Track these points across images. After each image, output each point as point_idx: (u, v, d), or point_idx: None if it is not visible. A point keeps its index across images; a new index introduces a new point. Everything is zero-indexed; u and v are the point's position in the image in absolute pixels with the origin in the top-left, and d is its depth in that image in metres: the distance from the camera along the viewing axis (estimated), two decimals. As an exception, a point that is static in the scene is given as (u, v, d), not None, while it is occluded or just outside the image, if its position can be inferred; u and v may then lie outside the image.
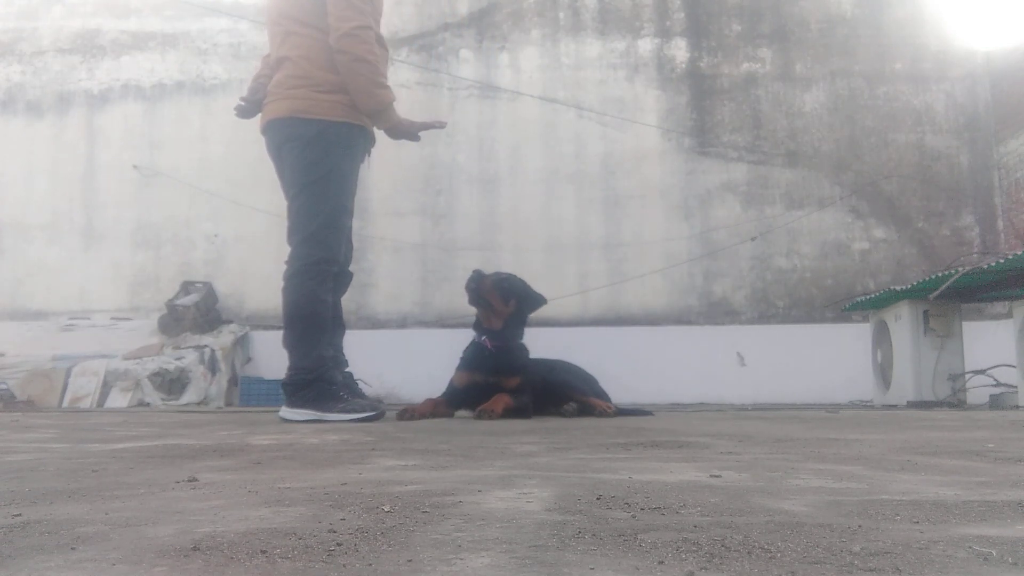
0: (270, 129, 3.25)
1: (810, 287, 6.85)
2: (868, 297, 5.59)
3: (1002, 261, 4.27)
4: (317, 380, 3.24)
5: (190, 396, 6.29)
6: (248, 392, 6.41)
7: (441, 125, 3.50)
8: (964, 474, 1.44)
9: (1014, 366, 4.62)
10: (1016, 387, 4.64)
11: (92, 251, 7.24)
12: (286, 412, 3.24)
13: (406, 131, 3.36)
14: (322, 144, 3.17)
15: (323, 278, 3.23)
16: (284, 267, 3.31)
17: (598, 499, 1.12)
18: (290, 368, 3.26)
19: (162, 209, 7.26)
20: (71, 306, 7.16)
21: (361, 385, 3.71)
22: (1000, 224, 6.85)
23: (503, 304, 3.73)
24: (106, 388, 6.30)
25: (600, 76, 7.25)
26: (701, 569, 0.74)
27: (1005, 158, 6.81)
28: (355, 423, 3.02)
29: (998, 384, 4.95)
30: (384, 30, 3.42)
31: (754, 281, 6.88)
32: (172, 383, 6.31)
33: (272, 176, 3.44)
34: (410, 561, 0.77)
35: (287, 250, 3.34)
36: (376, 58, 3.23)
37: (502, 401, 3.44)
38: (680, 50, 7.24)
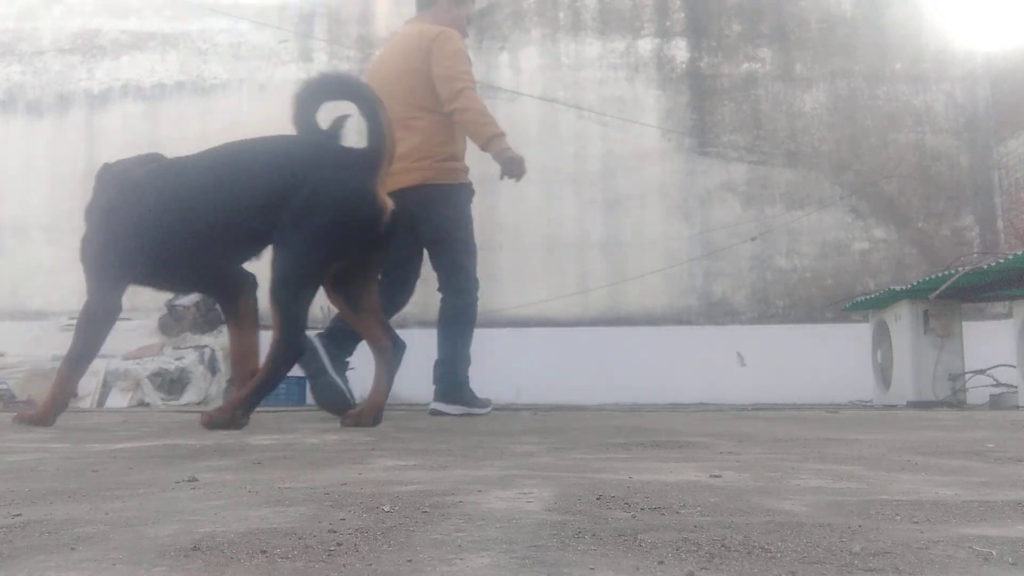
0: (401, 196, 3.50)
1: (810, 287, 6.85)
2: (868, 297, 5.60)
3: (1002, 261, 4.27)
4: (467, 381, 3.90)
5: (190, 396, 6.28)
6: (248, 392, 6.41)
7: (516, 174, 3.99)
8: (964, 474, 1.44)
9: (1014, 366, 4.62)
10: (1016, 387, 4.64)
11: (92, 251, 7.21)
12: (441, 407, 3.80)
13: (513, 159, 3.89)
14: (456, 204, 3.84)
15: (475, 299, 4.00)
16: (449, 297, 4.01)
17: (598, 499, 1.12)
18: (451, 371, 3.86)
19: (162, 209, 7.25)
20: (71, 306, 7.12)
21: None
22: (1000, 224, 6.85)
23: None
24: (106, 388, 6.30)
25: (600, 76, 7.24)
26: (701, 569, 0.74)
27: (1005, 158, 6.81)
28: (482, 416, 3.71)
29: (998, 384, 4.95)
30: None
31: (754, 281, 6.88)
32: (172, 383, 6.31)
33: None
34: (410, 561, 0.77)
35: None
36: (482, 105, 3.83)
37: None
38: (680, 50, 7.24)
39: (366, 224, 2.69)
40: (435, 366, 3.99)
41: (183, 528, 0.93)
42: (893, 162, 6.95)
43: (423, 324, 6.86)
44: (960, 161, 6.94)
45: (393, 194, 3.53)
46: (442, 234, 3.83)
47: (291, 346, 2.64)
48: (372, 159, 2.76)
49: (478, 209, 7.57)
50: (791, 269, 6.89)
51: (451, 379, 3.89)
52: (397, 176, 3.58)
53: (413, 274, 4.01)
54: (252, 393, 2.70)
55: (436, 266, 3.95)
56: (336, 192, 2.65)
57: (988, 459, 1.70)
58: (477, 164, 7.52)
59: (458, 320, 3.96)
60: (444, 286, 3.97)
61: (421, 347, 6.48)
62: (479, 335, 4.28)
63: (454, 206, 3.83)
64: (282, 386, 6.15)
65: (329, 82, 3.03)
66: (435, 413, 3.84)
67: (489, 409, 3.97)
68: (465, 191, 3.91)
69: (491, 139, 3.79)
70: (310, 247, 2.63)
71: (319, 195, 2.63)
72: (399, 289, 3.91)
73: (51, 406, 3.00)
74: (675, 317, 6.83)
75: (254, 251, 2.91)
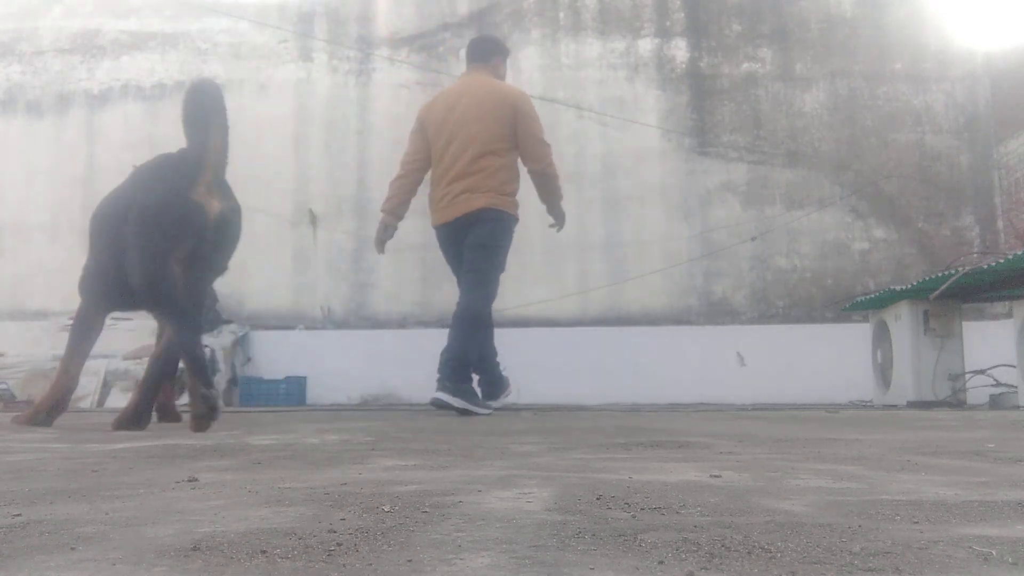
0: (464, 219, 4.31)
1: (810, 287, 6.85)
2: (868, 297, 5.59)
3: (1002, 261, 4.27)
4: (469, 379, 4.20)
5: (190, 396, 6.28)
6: (248, 392, 6.41)
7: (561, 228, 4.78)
8: (964, 474, 1.44)
9: (1014, 366, 4.62)
10: (1016, 387, 4.64)
11: (92, 251, 7.22)
12: (445, 397, 4.00)
13: (564, 217, 4.69)
14: (505, 226, 4.36)
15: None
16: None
17: (598, 499, 1.12)
18: (457, 364, 4.09)
19: (162, 209, 7.24)
20: (71, 306, 7.08)
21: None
22: (1000, 224, 6.85)
23: None
24: (106, 388, 6.30)
25: (600, 76, 7.24)
26: (701, 569, 0.74)
27: (1005, 158, 6.81)
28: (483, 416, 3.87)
29: (998, 384, 4.95)
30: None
31: (754, 281, 6.88)
32: (172, 383, 6.31)
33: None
34: (410, 561, 0.77)
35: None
36: (557, 171, 4.55)
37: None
38: (680, 50, 7.24)
39: (180, 222, 2.98)
40: (441, 354, 4.17)
41: (183, 528, 0.93)
42: (893, 162, 6.95)
43: (424, 324, 6.88)
44: (960, 161, 6.94)
45: (461, 217, 4.34)
46: (480, 241, 4.31)
47: (184, 325, 2.97)
48: (190, 165, 3.12)
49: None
50: (791, 269, 6.89)
51: (455, 372, 4.07)
52: (466, 202, 4.31)
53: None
54: (198, 377, 2.88)
55: (465, 268, 4.36)
56: (146, 202, 3.00)
57: (988, 459, 1.70)
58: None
59: (468, 316, 4.22)
60: (462, 285, 4.35)
61: (422, 347, 6.50)
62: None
63: (500, 225, 4.34)
64: (282, 386, 6.16)
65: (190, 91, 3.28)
66: (436, 402, 4.02)
67: (489, 412, 4.11)
68: (514, 222, 4.44)
69: (560, 201, 4.59)
70: (141, 256, 2.96)
71: (135, 211, 2.99)
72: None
73: (45, 405, 3.12)
74: (675, 317, 6.83)
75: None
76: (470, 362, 4.18)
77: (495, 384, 4.40)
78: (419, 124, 4.61)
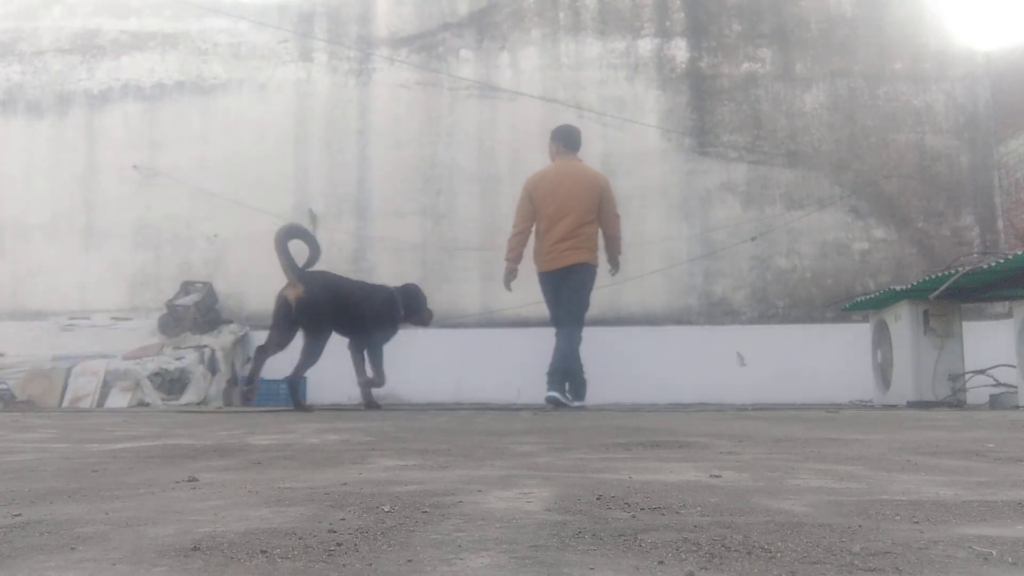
0: (566, 269, 5.61)
1: (810, 287, 6.85)
2: (868, 297, 5.59)
3: (1002, 261, 4.27)
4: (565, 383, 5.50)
5: (190, 396, 6.28)
6: (248, 392, 6.41)
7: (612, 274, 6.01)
8: (964, 474, 1.44)
9: (1014, 366, 4.62)
10: (1016, 387, 4.64)
11: (92, 251, 7.23)
12: (559, 396, 5.30)
13: (617, 267, 5.88)
14: (593, 274, 5.71)
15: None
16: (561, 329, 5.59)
17: (598, 499, 1.12)
18: (568, 374, 5.43)
19: (162, 209, 7.25)
20: (71, 306, 7.15)
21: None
22: (1000, 224, 6.85)
23: None
24: (106, 388, 6.30)
25: (600, 76, 7.24)
26: (701, 569, 0.74)
27: (1005, 158, 6.81)
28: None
29: (998, 384, 4.94)
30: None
31: (754, 281, 6.88)
32: (172, 383, 6.31)
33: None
34: (410, 561, 0.77)
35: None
36: (622, 236, 5.88)
37: None
38: (680, 50, 7.24)
39: (277, 306, 5.07)
40: (548, 373, 5.41)
41: (183, 528, 0.93)
42: (893, 162, 6.95)
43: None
44: (960, 161, 6.94)
45: (563, 268, 5.62)
46: (575, 286, 5.66)
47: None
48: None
49: (480, 209, 7.66)
50: (791, 269, 6.89)
51: (564, 379, 5.40)
52: (568, 257, 5.62)
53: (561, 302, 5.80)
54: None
55: (566, 305, 5.67)
56: None
57: (988, 459, 1.70)
58: (483, 164, 7.61)
59: (571, 341, 5.51)
60: (565, 318, 5.60)
61: (423, 347, 6.49)
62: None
63: (591, 277, 5.72)
64: (282, 386, 6.15)
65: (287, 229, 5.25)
66: (551, 399, 5.25)
67: (577, 406, 5.34)
68: (596, 269, 5.76)
69: (619, 255, 5.86)
70: None
71: None
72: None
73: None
74: (675, 317, 6.83)
75: None
76: (569, 371, 5.45)
77: (580, 387, 5.53)
78: (527, 194, 5.84)
